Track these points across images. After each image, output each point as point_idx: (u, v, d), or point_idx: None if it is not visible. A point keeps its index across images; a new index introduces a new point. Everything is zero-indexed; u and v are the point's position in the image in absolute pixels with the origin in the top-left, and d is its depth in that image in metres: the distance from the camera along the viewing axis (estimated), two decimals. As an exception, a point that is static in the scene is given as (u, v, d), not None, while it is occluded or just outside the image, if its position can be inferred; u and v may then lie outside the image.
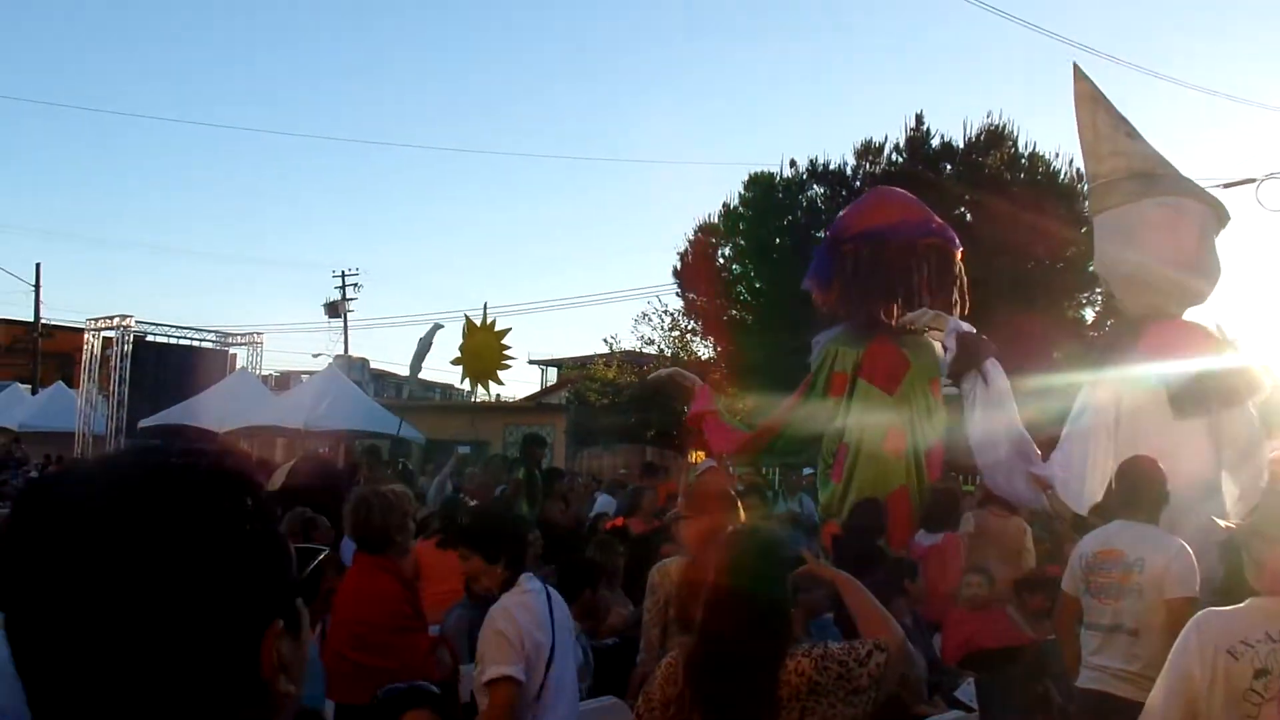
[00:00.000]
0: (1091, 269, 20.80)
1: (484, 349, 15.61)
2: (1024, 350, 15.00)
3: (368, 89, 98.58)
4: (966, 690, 5.97)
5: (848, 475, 8.40)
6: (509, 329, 15.92)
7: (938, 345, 8.64)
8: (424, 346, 17.48)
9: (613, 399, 27.82)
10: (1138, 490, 5.14)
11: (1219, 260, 7.96)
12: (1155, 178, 8.02)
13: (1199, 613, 3.33)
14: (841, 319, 9.15)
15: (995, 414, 7.67)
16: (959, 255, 8.95)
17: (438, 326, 17.41)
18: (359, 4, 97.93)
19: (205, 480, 0.96)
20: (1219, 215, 8.02)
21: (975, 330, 8.04)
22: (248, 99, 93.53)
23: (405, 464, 15.84)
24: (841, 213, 9.89)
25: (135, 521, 0.90)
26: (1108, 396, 7.69)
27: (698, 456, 22.76)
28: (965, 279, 8.96)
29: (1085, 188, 8.91)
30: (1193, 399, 7.42)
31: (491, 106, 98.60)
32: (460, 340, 15.87)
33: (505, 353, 16.03)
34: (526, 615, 4.03)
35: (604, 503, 11.58)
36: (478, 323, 15.78)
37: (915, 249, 8.73)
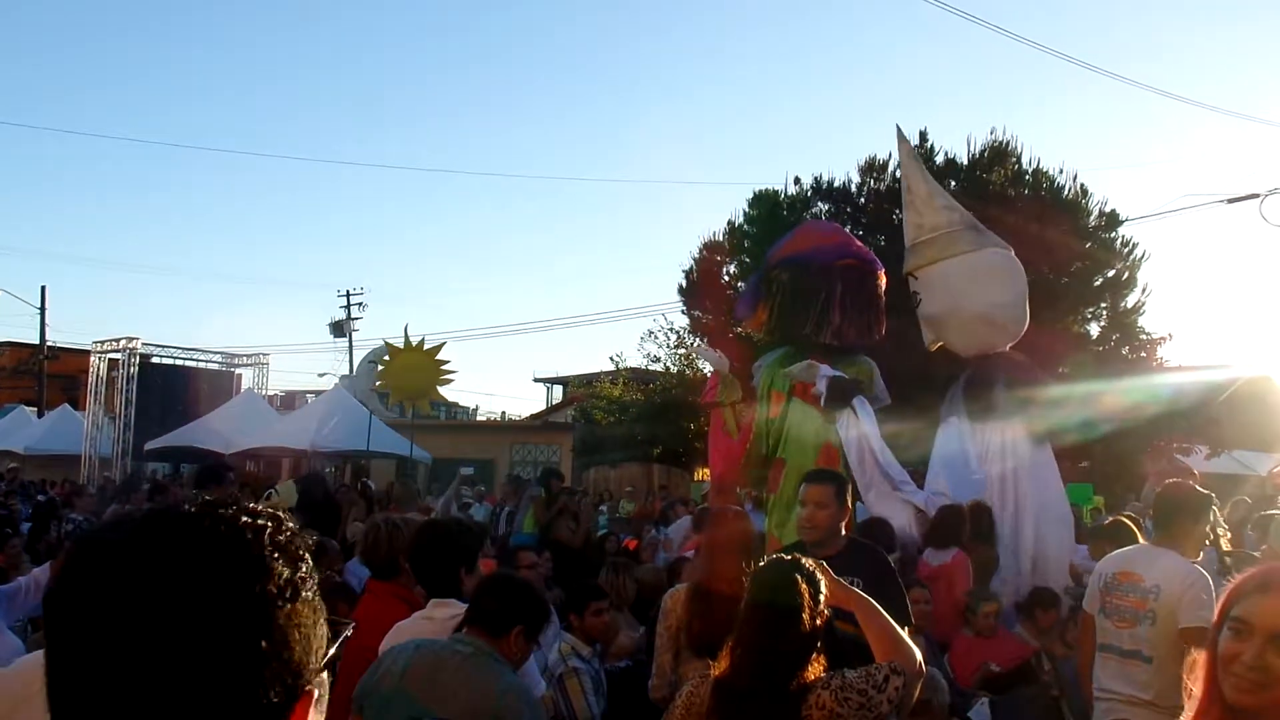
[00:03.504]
0: (1098, 283, 20.95)
1: (413, 370, 15.68)
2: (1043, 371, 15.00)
3: (371, 112, 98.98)
4: (981, 711, 5.93)
5: (782, 488, 8.61)
6: (442, 344, 16.01)
7: (872, 364, 9.08)
8: (369, 373, 17.55)
9: (619, 417, 27.77)
10: (1166, 515, 5.01)
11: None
12: (983, 230, 9.26)
13: None
14: (771, 342, 9.63)
15: (864, 446, 8.24)
16: (880, 276, 9.25)
17: (385, 350, 17.45)
18: (358, 29, 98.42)
19: (249, 548, 0.98)
20: None
21: (841, 375, 8.56)
22: (252, 123, 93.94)
23: (366, 483, 15.88)
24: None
25: (170, 588, 0.92)
26: (965, 438, 8.75)
27: (704, 474, 22.77)
28: (884, 300, 9.31)
29: (909, 238, 9.64)
30: (1045, 426, 8.57)
31: (496, 128, 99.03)
32: (380, 366, 16.06)
33: (444, 369, 16.08)
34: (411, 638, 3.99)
35: (679, 526, 11.51)
36: (400, 345, 15.89)
37: (831, 269, 9.03)
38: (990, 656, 6.56)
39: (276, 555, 0.98)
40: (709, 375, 10.96)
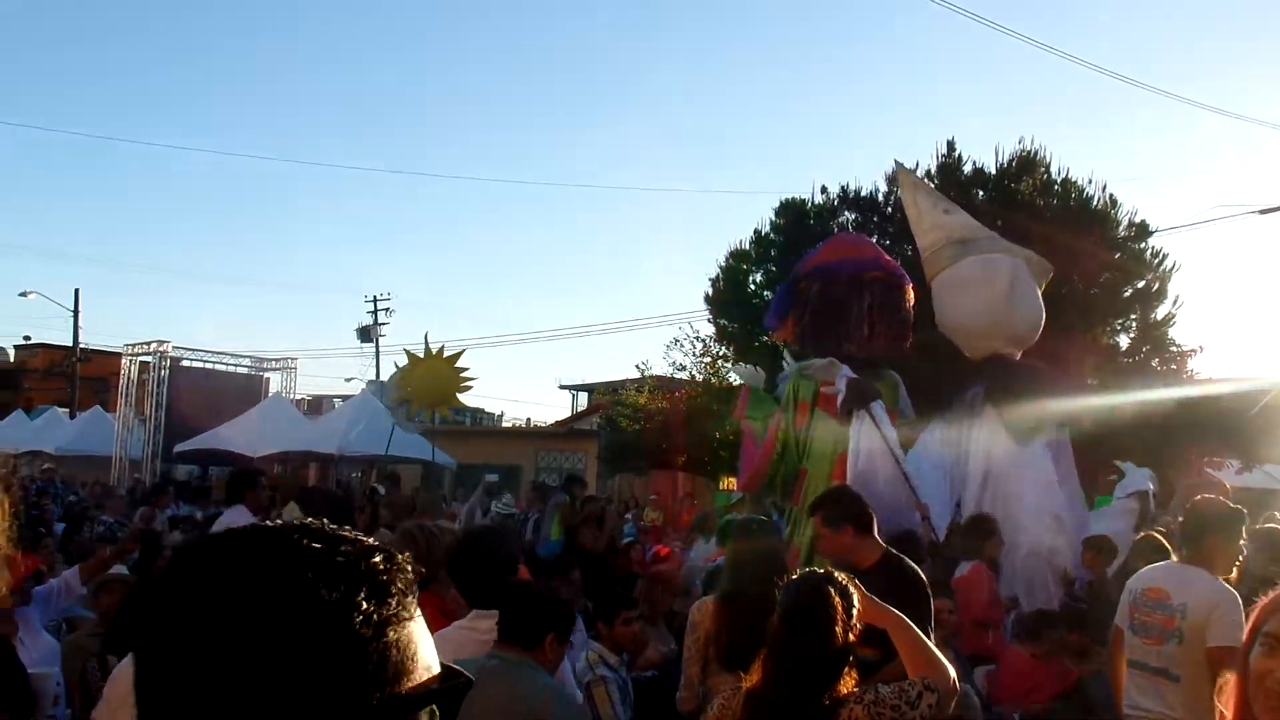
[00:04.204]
0: (1127, 294, 20.82)
1: (433, 377, 15.76)
2: (1059, 375, 14.90)
3: (399, 118, 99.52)
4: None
5: (803, 500, 8.70)
6: (461, 351, 16.11)
7: (897, 378, 9.30)
8: (398, 386, 17.48)
9: (644, 424, 27.76)
10: (1196, 531, 4.88)
11: (1036, 304, 9.43)
12: (970, 241, 9.51)
13: None
14: (800, 352, 9.74)
15: (878, 448, 8.32)
16: (908, 290, 9.43)
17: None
18: (387, 35, 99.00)
19: (331, 573, 0.96)
20: (1035, 266, 9.56)
21: (861, 378, 8.69)
22: (282, 130, 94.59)
23: (374, 489, 15.95)
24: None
25: (246, 605, 0.93)
26: (950, 436, 9.06)
27: (729, 484, 22.73)
28: (913, 314, 9.53)
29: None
30: (1028, 425, 8.82)
31: (523, 135, 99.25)
32: (400, 374, 16.13)
33: (463, 375, 16.16)
34: (453, 650, 3.93)
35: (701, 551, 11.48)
36: (420, 354, 15.98)
37: (860, 281, 9.21)
38: (1044, 682, 6.51)
39: (362, 585, 0.96)
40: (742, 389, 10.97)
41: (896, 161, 10.56)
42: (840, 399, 8.52)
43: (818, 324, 9.18)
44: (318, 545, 0.98)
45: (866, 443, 8.32)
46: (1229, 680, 2.14)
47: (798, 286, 9.52)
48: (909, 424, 9.22)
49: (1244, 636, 2.14)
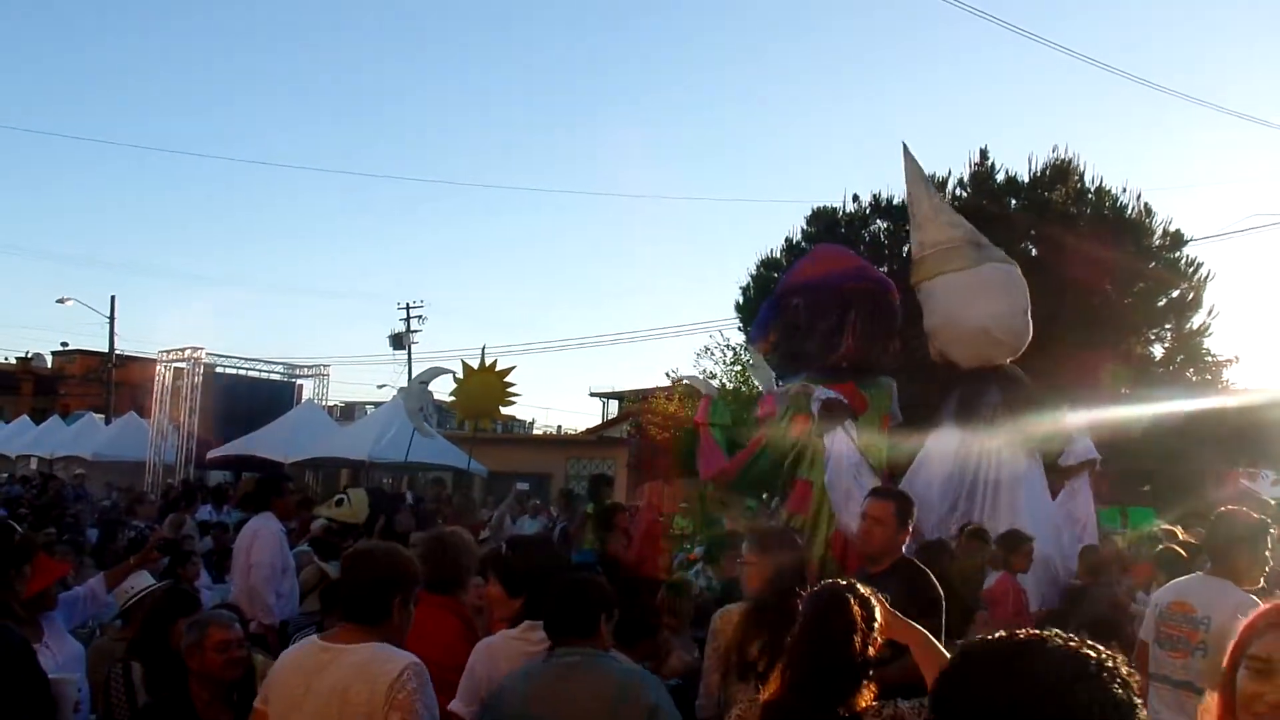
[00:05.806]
0: (1161, 303, 20.60)
1: (484, 388, 15.88)
2: (1091, 385, 14.79)
3: (434, 126, 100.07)
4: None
5: (815, 510, 8.72)
6: (513, 367, 16.25)
7: (892, 383, 9.36)
8: (419, 393, 17.47)
9: (674, 432, 27.73)
10: (1222, 543, 4.83)
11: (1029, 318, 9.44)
12: (985, 246, 9.44)
13: None
14: (779, 364, 9.83)
15: (845, 464, 8.32)
16: (893, 296, 9.39)
17: (436, 372, 17.48)
18: (415, 46, 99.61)
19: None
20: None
21: (832, 400, 8.69)
22: (317, 138, 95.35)
23: (406, 495, 16.09)
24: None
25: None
26: (955, 445, 9.00)
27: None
28: (898, 320, 9.48)
29: (914, 253, 9.99)
30: (1038, 437, 8.88)
31: (555, 142, 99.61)
32: (455, 384, 16.25)
33: (509, 390, 16.27)
34: (505, 662, 3.92)
35: None
36: (475, 366, 16.09)
37: (841, 294, 9.17)
38: None
39: (1117, 691, 1.25)
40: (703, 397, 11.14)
41: (904, 144, 10.30)
42: (817, 419, 8.59)
43: (804, 338, 9.23)
44: (1092, 660, 1.29)
45: (835, 456, 8.38)
46: (1209, 703, 2.10)
47: (781, 303, 9.56)
48: (900, 430, 9.31)
49: (1227, 659, 2.09)
